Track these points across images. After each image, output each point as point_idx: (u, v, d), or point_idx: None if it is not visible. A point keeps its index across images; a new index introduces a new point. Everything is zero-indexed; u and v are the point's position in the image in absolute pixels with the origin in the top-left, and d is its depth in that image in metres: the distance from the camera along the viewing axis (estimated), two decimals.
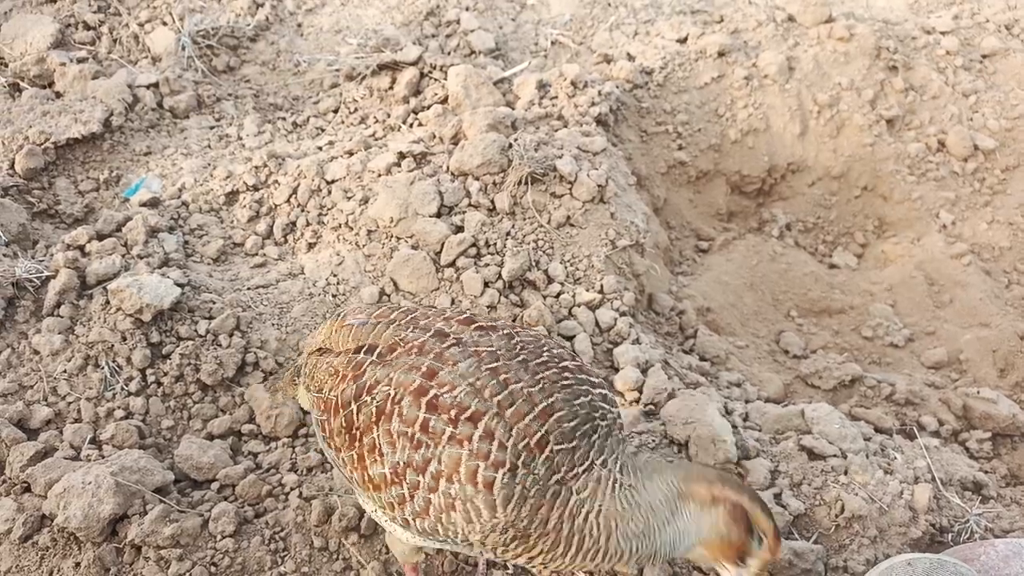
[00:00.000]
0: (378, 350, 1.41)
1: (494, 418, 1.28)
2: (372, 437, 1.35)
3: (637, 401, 2.00)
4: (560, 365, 1.37)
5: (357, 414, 1.38)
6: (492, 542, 1.31)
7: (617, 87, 2.86)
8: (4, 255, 2.14)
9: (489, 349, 1.36)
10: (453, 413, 1.29)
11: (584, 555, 1.31)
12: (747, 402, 2.10)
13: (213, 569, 1.63)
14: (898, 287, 2.78)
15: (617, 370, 2.08)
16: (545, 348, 1.40)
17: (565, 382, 1.35)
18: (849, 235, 3.06)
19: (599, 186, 2.35)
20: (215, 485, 1.79)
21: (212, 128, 2.83)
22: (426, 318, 1.45)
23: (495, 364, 1.33)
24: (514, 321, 2.09)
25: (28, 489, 1.76)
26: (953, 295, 2.71)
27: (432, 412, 1.30)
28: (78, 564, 1.63)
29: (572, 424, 1.31)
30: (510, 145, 2.37)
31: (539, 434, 1.28)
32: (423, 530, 1.36)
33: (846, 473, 1.77)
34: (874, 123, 3.09)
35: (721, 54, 3.04)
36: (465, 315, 1.46)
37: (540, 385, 1.33)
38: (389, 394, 1.34)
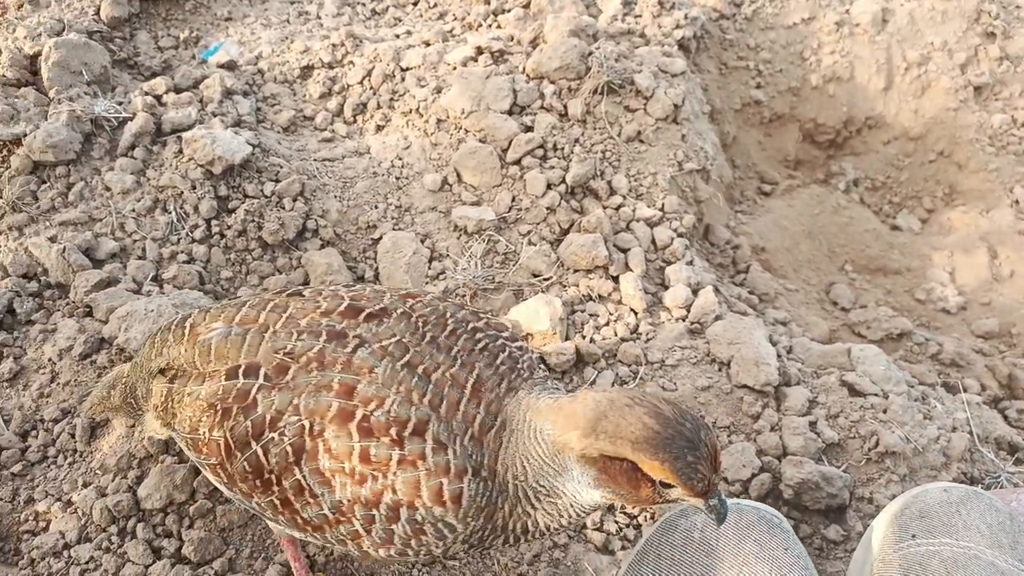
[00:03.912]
0: (263, 371, 1.16)
1: (438, 423, 1.11)
2: (296, 479, 1.14)
3: (683, 319, 2.01)
4: (469, 328, 1.21)
5: (265, 456, 1.14)
6: (456, 550, 1.17)
7: (703, 14, 2.79)
8: (85, 93, 2.19)
9: (393, 340, 1.16)
10: (394, 432, 1.09)
11: (529, 536, 1.17)
12: (792, 338, 2.10)
13: None
14: (959, 255, 2.73)
15: (667, 288, 2.08)
16: (448, 315, 1.22)
17: (480, 345, 1.19)
18: (917, 199, 2.99)
19: (675, 106, 2.31)
20: None
21: (293, 3, 2.83)
22: (304, 314, 1.20)
23: (407, 357, 1.14)
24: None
25: (90, 313, 1.84)
26: (1015, 270, 2.65)
27: (368, 437, 1.09)
28: None
29: (503, 389, 1.16)
30: (590, 53, 2.34)
31: (479, 417, 1.13)
32: (388, 556, 1.19)
33: (885, 412, 1.77)
34: (961, 88, 2.98)
35: None
36: (345, 303, 1.21)
37: (459, 360, 1.16)
38: (303, 426, 1.12)
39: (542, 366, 1.25)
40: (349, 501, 1.12)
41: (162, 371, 1.30)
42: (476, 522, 1.13)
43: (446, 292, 2.01)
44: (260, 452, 1.14)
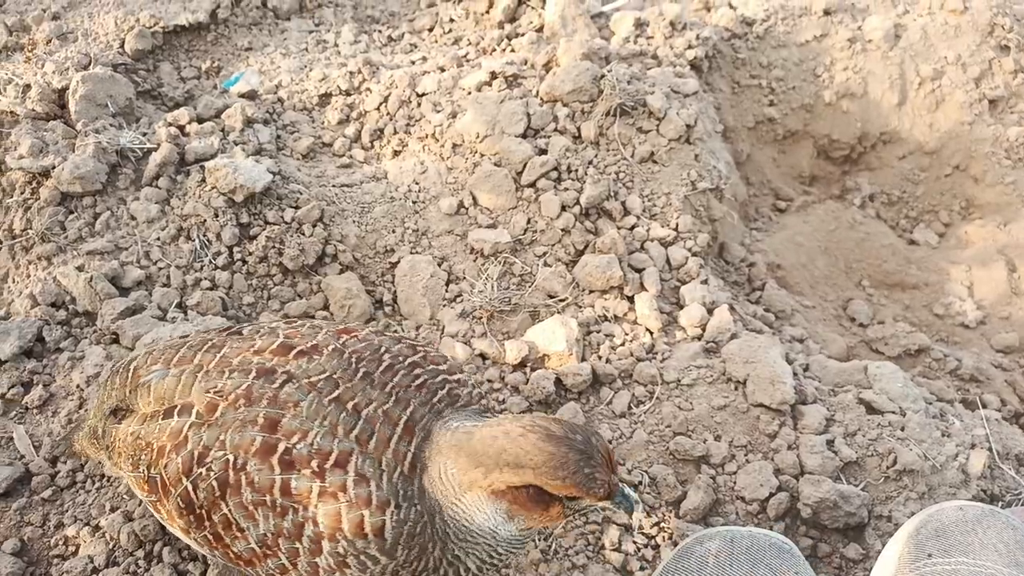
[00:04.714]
0: (194, 410, 1.19)
1: (360, 456, 1.12)
2: (223, 514, 1.16)
3: (699, 338, 2.02)
4: (407, 363, 1.23)
5: (195, 491, 1.17)
6: None
7: (715, 33, 2.82)
8: (111, 125, 2.25)
9: (323, 376, 1.17)
10: (315, 464, 1.10)
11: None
12: (809, 356, 2.10)
13: None
14: (977, 269, 2.72)
15: (682, 307, 2.10)
16: (384, 350, 1.24)
17: (418, 382, 1.21)
18: (933, 213, 2.99)
19: (687, 126, 2.34)
20: None
21: (311, 32, 2.89)
22: (237, 354, 1.23)
23: (337, 392, 1.16)
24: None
25: (116, 340, 1.89)
26: None
27: (289, 470, 1.11)
28: None
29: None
30: (603, 75, 2.37)
31: (410, 455, 1.14)
32: None
33: (903, 430, 1.77)
34: (976, 102, 2.98)
35: (827, 12, 2.96)
36: (277, 341, 1.24)
37: (394, 397, 1.17)
38: (228, 460, 1.14)
39: (484, 401, 1.27)
40: (273, 534, 1.14)
41: (113, 413, 1.35)
42: (408, 553, 1.14)
43: (463, 314, 2.04)
44: (190, 488, 1.18)
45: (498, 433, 1.09)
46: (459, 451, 1.11)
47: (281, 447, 1.12)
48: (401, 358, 1.23)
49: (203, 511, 1.18)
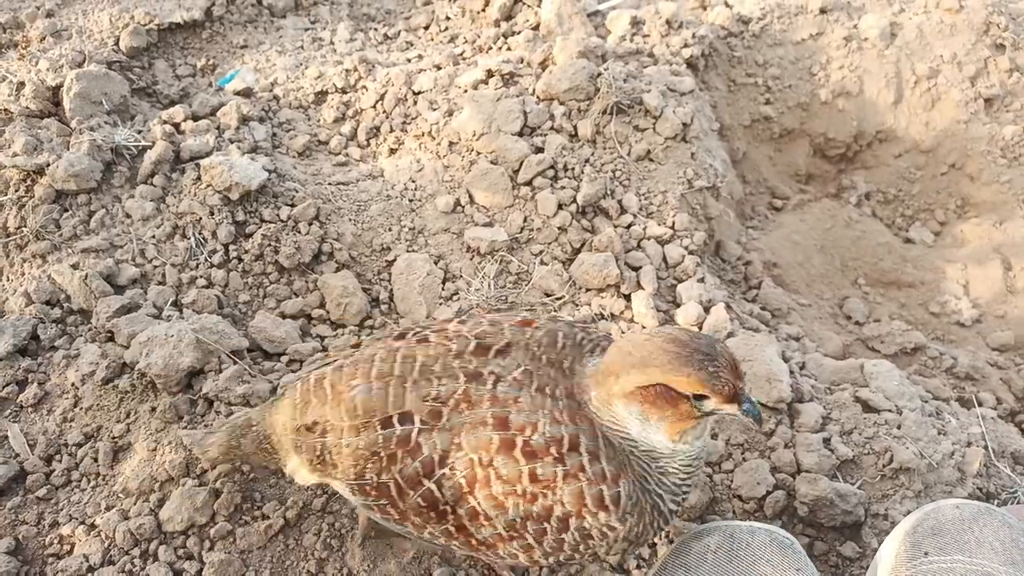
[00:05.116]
0: (417, 418, 1.26)
1: (582, 435, 1.20)
2: (470, 507, 1.24)
3: None
4: (578, 339, 1.32)
5: (439, 490, 1.25)
6: (618, 548, 1.26)
7: (711, 32, 2.82)
8: (105, 122, 2.24)
9: (522, 371, 1.26)
10: (554, 450, 1.19)
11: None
12: (805, 354, 2.10)
13: None
14: (973, 268, 2.72)
15: (679, 305, 2.10)
16: (558, 332, 1.32)
17: (586, 349, 1.30)
18: (929, 211, 2.99)
19: (684, 124, 2.34)
20: (284, 358, 1.88)
21: (307, 30, 2.88)
22: (435, 360, 1.30)
23: (536, 383, 1.24)
24: (577, 249, 2.12)
25: (111, 339, 1.88)
26: None
27: (533, 460, 1.20)
28: (154, 409, 1.74)
29: None
30: (599, 74, 2.37)
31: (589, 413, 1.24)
32: (557, 562, 1.31)
33: (899, 428, 1.77)
34: (971, 100, 2.99)
35: (823, 11, 2.97)
36: (472, 344, 1.30)
37: (564, 371, 1.26)
38: (472, 459, 1.22)
39: None
40: (522, 519, 1.22)
41: (308, 427, 1.37)
42: (633, 518, 1.23)
43: (459, 312, 2.03)
44: (434, 487, 1.25)
45: (623, 343, 1.20)
46: (595, 376, 1.22)
47: (519, 441, 1.20)
48: (572, 336, 1.31)
49: (447, 507, 1.26)
